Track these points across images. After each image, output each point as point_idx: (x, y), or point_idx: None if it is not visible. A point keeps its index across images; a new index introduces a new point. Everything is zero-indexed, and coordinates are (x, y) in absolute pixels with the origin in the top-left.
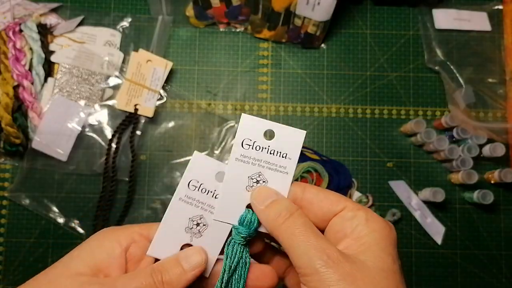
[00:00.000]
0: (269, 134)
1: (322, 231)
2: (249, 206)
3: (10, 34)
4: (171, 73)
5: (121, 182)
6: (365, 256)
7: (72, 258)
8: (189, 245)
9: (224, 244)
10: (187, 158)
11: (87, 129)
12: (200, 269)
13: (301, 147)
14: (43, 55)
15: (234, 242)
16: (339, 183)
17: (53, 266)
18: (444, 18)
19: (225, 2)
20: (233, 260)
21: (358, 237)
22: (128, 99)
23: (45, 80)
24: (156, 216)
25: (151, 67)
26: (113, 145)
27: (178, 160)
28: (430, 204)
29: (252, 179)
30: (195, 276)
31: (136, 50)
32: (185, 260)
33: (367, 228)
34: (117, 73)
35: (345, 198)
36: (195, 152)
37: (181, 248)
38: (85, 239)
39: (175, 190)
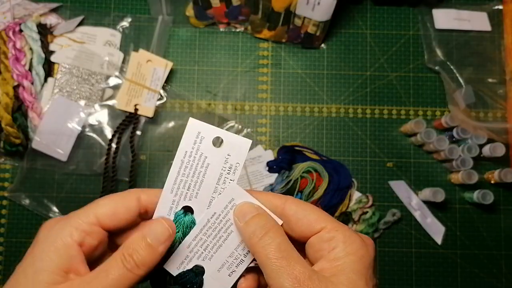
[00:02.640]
0: (219, 141)
1: (303, 243)
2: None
3: (10, 34)
4: (171, 73)
5: (121, 182)
6: (338, 279)
7: (35, 270)
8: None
9: None
10: None
11: (87, 129)
12: (169, 240)
13: (245, 156)
14: (43, 55)
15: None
16: (339, 183)
17: (17, 281)
18: (444, 18)
19: (225, 2)
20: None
21: (333, 259)
22: (128, 99)
23: (45, 80)
24: None
25: (151, 67)
26: (113, 145)
27: None
28: (430, 204)
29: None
30: (165, 248)
31: (136, 50)
32: (150, 235)
33: (343, 251)
34: (117, 73)
35: (325, 216)
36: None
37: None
38: None
39: None
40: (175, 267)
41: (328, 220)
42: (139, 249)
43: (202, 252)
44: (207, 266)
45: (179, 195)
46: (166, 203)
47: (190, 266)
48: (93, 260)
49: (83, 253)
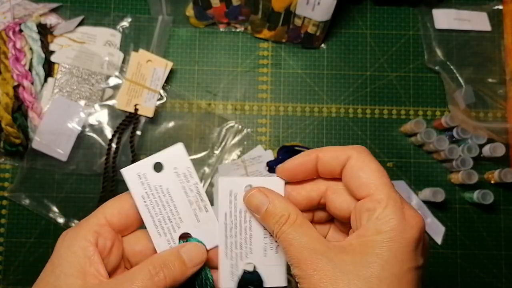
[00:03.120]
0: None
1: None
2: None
3: (10, 34)
4: (171, 73)
5: (121, 182)
6: (357, 258)
7: (56, 276)
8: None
9: None
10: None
11: (87, 129)
12: (201, 264)
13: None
14: (43, 55)
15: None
16: None
17: None
18: (444, 18)
19: (225, 2)
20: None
21: (362, 235)
22: (128, 99)
23: (45, 80)
24: None
25: (151, 67)
26: (113, 145)
27: None
28: (430, 204)
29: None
30: (195, 271)
31: (136, 50)
32: (186, 253)
33: (373, 228)
34: (117, 73)
35: (376, 183)
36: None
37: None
38: None
39: None
40: (229, 281)
41: (378, 187)
42: (171, 264)
43: (241, 251)
44: (254, 259)
45: (164, 229)
46: (159, 243)
47: (240, 271)
48: (110, 270)
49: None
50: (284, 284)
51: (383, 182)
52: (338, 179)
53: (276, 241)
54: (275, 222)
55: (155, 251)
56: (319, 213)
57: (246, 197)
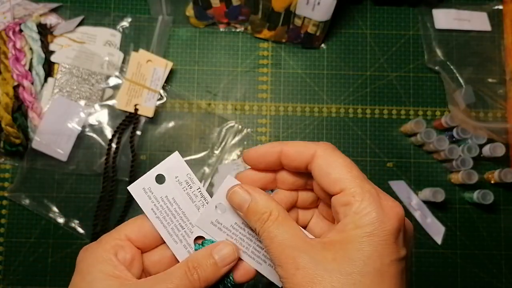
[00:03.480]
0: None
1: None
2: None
3: (10, 34)
4: (171, 73)
5: (121, 182)
6: (340, 254)
7: (90, 284)
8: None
9: None
10: (187, 158)
11: (87, 129)
12: (232, 264)
13: (184, 165)
14: (43, 55)
15: None
16: None
17: None
18: (444, 18)
19: (225, 2)
20: None
21: (342, 230)
22: (128, 99)
23: (45, 80)
24: None
25: (151, 67)
26: (113, 145)
27: None
28: (430, 204)
29: None
30: (227, 270)
31: (136, 50)
32: (218, 254)
33: (352, 223)
34: (117, 73)
35: (348, 177)
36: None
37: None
38: (85, 239)
39: None
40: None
41: (349, 181)
42: (204, 265)
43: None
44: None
45: (179, 236)
46: (177, 250)
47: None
48: None
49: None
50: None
51: (353, 175)
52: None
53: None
54: (257, 219)
55: (174, 258)
56: (304, 194)
57: (228, 194)
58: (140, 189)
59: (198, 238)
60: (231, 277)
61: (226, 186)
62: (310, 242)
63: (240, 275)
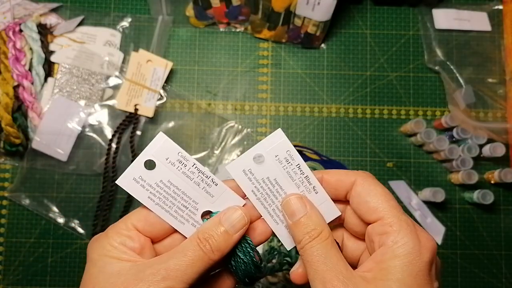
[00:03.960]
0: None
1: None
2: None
3: (10, 34)
4: (171, 73)
5: None
6: (379, 284)
7: (102, 269)
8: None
9: None
10: None
11: (87, 129)
12: (245, 229)
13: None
14: (43, 55)
15: None
16: None
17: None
18: (444, 18)
19: (225, 2)
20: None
21: (380, 260)
22: (128, 99)
23: (45, 80)
24: None
25: (151, 67)
26: (113, 145)
27: None
28: (430, 204)
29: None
30: (241, 235)
31: (136, 50)
32: (226, 222)
33: (390, 253)
34: (117, 73)
35: (386, 206)
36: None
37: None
38: (85, 239)
39: None
40: (292, 243)
41: (387, 211)
42: (214, 235)
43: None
44: None
45: (184, 216)
46: (186, 230)
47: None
48: None
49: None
50: (339, 212)
51: (391, 205)
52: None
53: (301, 247)
54: (306, 233)
55: (185, 239)
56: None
57: (284, 200)
58: (130, 180)
59: (205, 213)
60: (249, 241)
61: (274, 138)
62: (352, 272)
63: (256, 235)
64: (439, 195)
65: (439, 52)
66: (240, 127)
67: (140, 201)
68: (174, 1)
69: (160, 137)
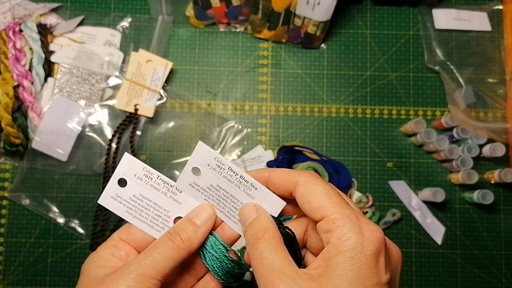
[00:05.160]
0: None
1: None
2: None
3: (10, 34)
4: (171, 73)
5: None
6: (324, 280)
7: (88, 276)
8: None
9: None
10: (187, 158)
11: (87, 129)
12: (211, 221)
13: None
14: (43, 55)
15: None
16: (339, 183)
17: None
18: (444, 18)
19: (225, 2)
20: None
21: (326, 258)
22: (128, 99)
23: (45, 80)
24: None
25: (151, 67)
26: (113, 145)
27: (178, 160)
28: (430, 204)
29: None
30: (208, 229)
31: (136, 50)
32: (196, 217)
33: (335, 249)
34: (117, 73)
35: (328, 204)
36: (200, 142)
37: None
38: (85, 239)
39: None
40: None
41: (329, 208)
42: (183, 227)
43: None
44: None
45: (159, 225)
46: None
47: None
48: None
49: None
50: (283, 202)
51: (333, 202)
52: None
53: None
54: (252, 234)
55: None
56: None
57: (241, 208)
58: (109, 199)
59: (177, 219)
60: (217, 237)
61: (199, 151)
62: (297, 271)
63: (226, 235)
64: (439, 195)
65: (439, 52)
66: (240, 127)
67: (121, 216)
68: (174, 1)
69: (125, 157)
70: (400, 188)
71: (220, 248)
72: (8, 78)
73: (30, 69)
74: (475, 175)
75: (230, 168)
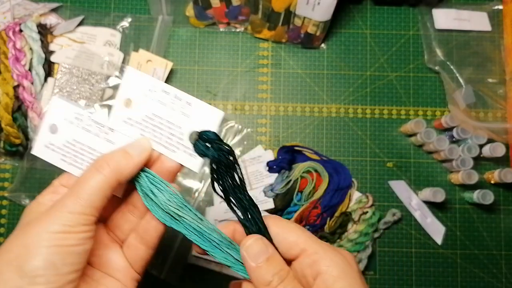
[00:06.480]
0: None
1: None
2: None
3: (10, 34)
4: (171, 73)
5: None
6: None
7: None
8: None
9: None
10: None
11: None
12: (146, 154)
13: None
14: (43, 55)
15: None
16: (339, 183)
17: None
18: (444, 18)
19: (225, 2)
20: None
21: (328, 286)
22: None
23: (45, 80)
24: None
25: (151, 67)
26: None
27: None
28: (430, 204)
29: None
30: (142, 161)
31: (136, 50)
32: (130, 147)
33: (331, 278)
34: (117, 73)
35: (305, 238)
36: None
37: None
38: None
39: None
40: (193, 159)
41: (307, 242)
42: (114, 156)
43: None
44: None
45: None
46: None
47: (189, 143)
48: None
49: None
50: (222, 112)
51: (308, 236)
52: None
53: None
54: (274, 273)
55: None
56: None
57: (244, 245)
58: (42, 148)
59: None
60: (155, 176)
61: (129, 78)
62: None
63: (162, 168)
64: (439, 195)
65: (439, 52)
66: (240, 127)
67: (56, 165)
68: (174, 1)
69: (53, 101)
70: (400, 188)
71: (159, 185)
72: (8, 78)
73: (30, 69)
74: (475, 175)
75: (163, 90)
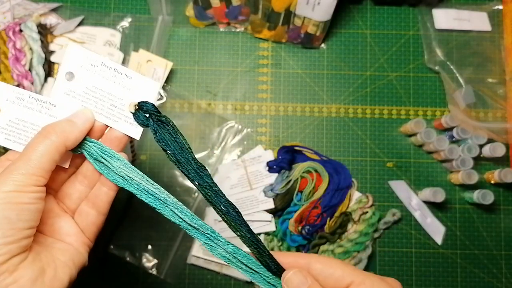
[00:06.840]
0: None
1: None
2: None
3: (10, 34)
4: (171, 73)
5: None
6: None
7: None
8: None
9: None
10: None
11: None
12: (89, 122)
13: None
14: (43, 55)
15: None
16: (339, 183)
17: None
18: (444, 18)
19: (225, 2)
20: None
21: None
22: None
23: (45, 80)
24: (156, 216)
25: (151, 67)
26: None
27: None
28: (430, 204)
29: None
30: (86, 128)
31: (136, 50)
32: (73, 116)
33: None
34: None
35: (350, 271)
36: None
37: None
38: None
39: (174, 190)
40: (134, 128)
41: (354, 274)
42: (60, 124)
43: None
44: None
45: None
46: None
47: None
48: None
49: None
50: (158, 83)
51: (352, 268)
52: None
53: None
54: None
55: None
56: None
57: (285, 278)
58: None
59: None
60: (102, 145)
61: (70, 53)
62: None
63: (109, 139)
64: (439, 195)
65: (439, 52)
66: (240, 127)
67: (1, 144)
68: (174, 1)
69: None
70: (400, 188)
71: (107, 152)
72: (8, 78)
73: (30, 69)
74: (475, 175)
75: (103, 64)
